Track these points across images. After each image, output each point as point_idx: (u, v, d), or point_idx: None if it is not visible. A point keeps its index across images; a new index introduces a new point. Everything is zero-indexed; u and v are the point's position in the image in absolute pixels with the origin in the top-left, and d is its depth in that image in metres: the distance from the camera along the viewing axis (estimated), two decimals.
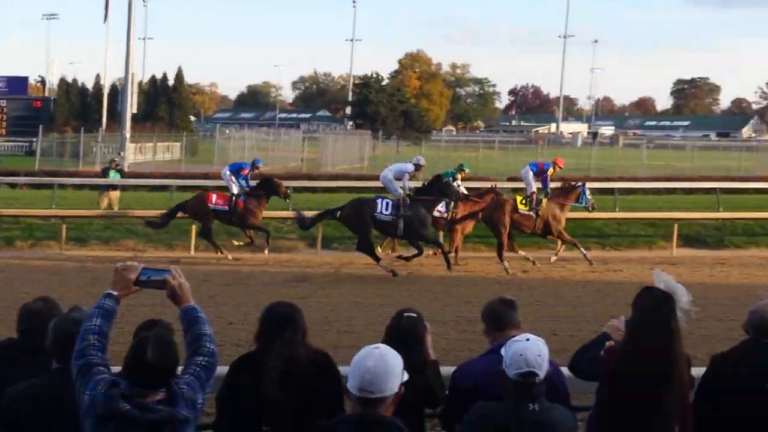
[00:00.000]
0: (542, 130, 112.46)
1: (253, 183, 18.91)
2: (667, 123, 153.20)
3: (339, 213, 17.33)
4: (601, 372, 4.35)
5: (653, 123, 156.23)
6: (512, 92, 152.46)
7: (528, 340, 3.71)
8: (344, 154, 47.12)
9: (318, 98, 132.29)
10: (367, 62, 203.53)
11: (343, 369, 4.04)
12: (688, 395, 4.49)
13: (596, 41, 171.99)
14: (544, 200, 18.16)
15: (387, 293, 14.37)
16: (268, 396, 4.09)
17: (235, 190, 18.63)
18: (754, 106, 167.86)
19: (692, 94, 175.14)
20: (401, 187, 17.38)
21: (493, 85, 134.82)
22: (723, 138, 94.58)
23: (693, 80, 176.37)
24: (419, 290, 14.91)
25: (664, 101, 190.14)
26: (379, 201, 17.17)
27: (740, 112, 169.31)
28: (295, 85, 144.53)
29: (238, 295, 14.10)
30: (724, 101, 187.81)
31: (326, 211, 17.74)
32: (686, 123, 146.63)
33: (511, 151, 53.86)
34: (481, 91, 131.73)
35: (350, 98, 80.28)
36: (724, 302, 12.71)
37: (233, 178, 18.87)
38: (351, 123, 74.25)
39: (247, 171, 19.20)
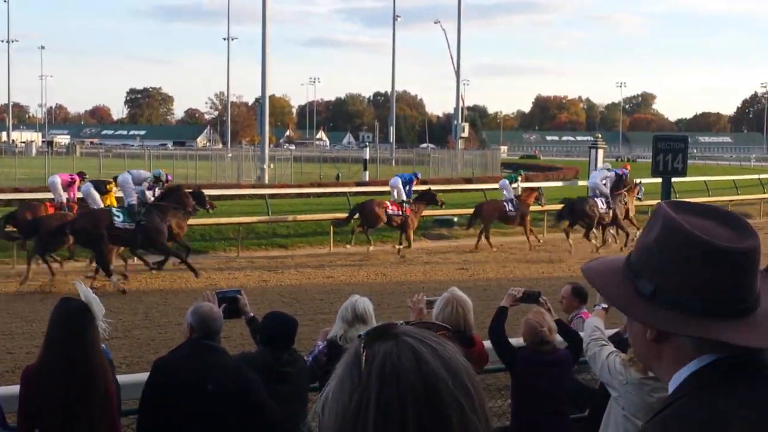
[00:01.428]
0: None
1: None
2: (124, 132, 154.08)
3: (71, 226, 15.88)
4: None
5: (110, 132, 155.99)
6: None
7: None
8: None
9: None
10: None
11: None
12: (115, 404, 4.59)
13: (43, 47, 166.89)
14: None
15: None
16: None
17: None
18: (207, 117, 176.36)
19: (146, 104, 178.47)
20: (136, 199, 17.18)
21: None
22: (179, 147, 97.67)
23: (146, 90, 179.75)
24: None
25: (119, 110, 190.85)
26: (114, 210, 16.78)
27: (194, 122, 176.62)
28: None
29: None
30: (179, 111, 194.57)
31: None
32: (143, 132, 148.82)
33: None
34: None
35: None
36: (185, 307, 12.96)
37: None
38: None
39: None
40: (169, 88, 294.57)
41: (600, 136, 34.46)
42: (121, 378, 5.67)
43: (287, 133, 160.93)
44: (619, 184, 23.51)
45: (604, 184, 23.27)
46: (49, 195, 20.33)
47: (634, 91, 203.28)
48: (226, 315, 5.40)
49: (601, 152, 29.83)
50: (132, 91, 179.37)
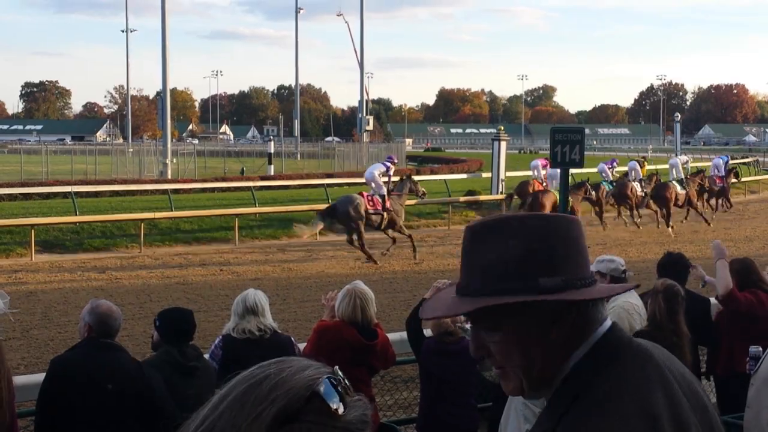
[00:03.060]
0: None
1: None
2: (20, 127, 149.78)
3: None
4: None
5: (5, 127, 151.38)
6: None
7: None
8: None
9: None
10: None
11: None
12: (14, 407, 4.52)
13: None
14: None
15: None
16: None
17: None
18: (106, 111, 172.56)
19: (43, 98, 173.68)
20: None
21: None
22: (78, 141, 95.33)
23: (42, 83, 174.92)
24: None
25: (14, 104, 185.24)
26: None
27: (93, 116, 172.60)
28: None
29: None
30: (77, 105, 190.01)
31: None
32: (40, 127, 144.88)
33: None
34: None
35: None
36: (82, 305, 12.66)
37: None
38: None
39: None
40: (66, 81, 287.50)
41: (503, 128, 34.95)
42: (20, 379, 5.52)
43: (190, 127, 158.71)
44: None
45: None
46: None
47: (535, 84, 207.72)
48: None
49: (503, 144, 30.23)
50: (27, 85, 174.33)
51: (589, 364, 1.70)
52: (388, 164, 21.04)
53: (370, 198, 19.70)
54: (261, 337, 5.63)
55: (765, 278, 6.83)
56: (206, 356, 5.64)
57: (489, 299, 1.69)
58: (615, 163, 28.99)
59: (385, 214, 19.70)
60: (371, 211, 19.43)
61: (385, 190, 20.10)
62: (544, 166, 25.46)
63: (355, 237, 19.19)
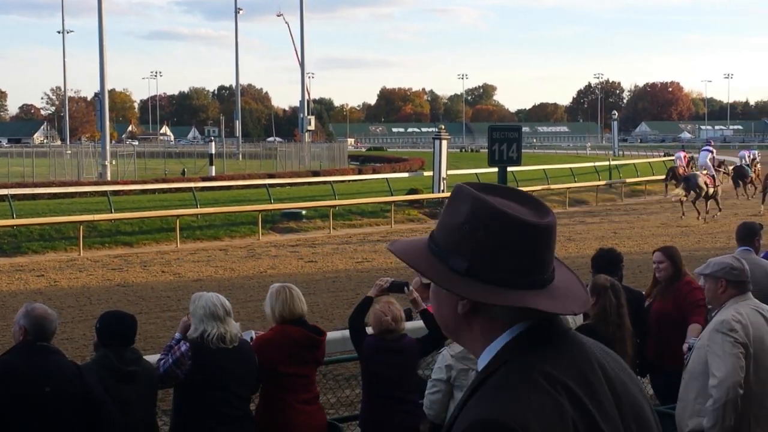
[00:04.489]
0: None
1: None
2: None
3: None
4: None
5: None
6: None
7: None
8: None
9: None
10: None
11: None
12: None
13: None
14: None
15: None
16: None
17: None
18: (43, 112, 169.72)
19: None
20: None
21: None
22: (15, 144, 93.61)
23: None
24: None
25: None
26: None
27: (29, 118, 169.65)
28: None
29: None
30: (12, 107, 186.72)
31: None
32: None
33: None
34: None
35: None
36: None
37: None
38: None
39: None
40: (1, 83, 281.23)
41: (444, 127, 35.08)
42: None
43: (129, 128, 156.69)
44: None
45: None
46: None
47: (475, 83, 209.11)
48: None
49: (444, 143, 30.36)
50: None
51: (508, 352, 1.74)
52: (711, 148, 30.84)
53: (706, 176, 26.99)
54: (231, 345, 5.43)
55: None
56: (168, 360, 5.39)
57: (417, 260, 1.79)
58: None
59: (713, 188, 26.48)
60: (708, 185, 26.29)
61: (714, 171, 28.31)
62: (684, 157, 34.76)
63: (699, 199, 26.36)
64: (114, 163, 45.48)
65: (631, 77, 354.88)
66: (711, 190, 26.48)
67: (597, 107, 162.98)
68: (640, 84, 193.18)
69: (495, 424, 1.61)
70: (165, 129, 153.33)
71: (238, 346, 5.48)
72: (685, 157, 35.10)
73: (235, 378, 5.44)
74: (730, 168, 34.57)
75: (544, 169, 38.80)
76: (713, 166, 29.78)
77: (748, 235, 7.30)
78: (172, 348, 5.42)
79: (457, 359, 5.37)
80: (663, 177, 35.69)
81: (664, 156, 58.01)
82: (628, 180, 38.43)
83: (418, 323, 6.32)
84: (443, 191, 28.90)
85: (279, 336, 5.70)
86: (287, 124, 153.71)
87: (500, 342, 1.76)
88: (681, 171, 31.85)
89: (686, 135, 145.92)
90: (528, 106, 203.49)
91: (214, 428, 5.38)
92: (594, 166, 43.69)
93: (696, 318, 6.50)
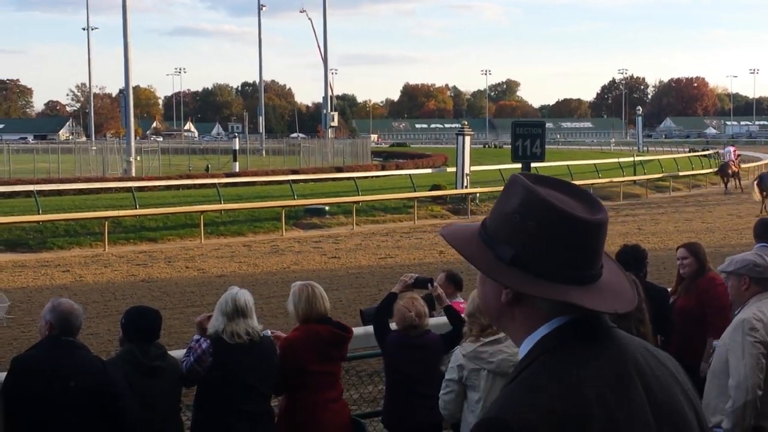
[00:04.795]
0: None
1: None
2: None
3: None
4: None
5: None
6: None
7: None
8: None
9: None
10: None
11: None
12: None
13: None
14: None
15: None
16: None
17: None
18: (69, 109, 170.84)
19: (4, 96, 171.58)
20: None
21: None
22: (41, 140, 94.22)
23: (3, 82, 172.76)
24: None
25: None
26: None
27: (55, 114, 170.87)
28: None
29: None
30: (38, 104, 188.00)
31: None
32: (1, 126, 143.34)
33: None
34: None
35: None
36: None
37: None
38: None
39: None
40: (27, 80, 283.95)
41: (467, 123, 35.03)
42: None
43: (154, 124, 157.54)
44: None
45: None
46: None
47: (498, 79, 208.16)
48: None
49: (468, 139, 30.29)
50: None
51: (546, 343, 1.73)
52: (732, 148, 40.01)
53: (733, 163, 36.56)
54: (251, 341, 5.43)
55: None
56: (190, 359, 5.39)
57: (465, 246, 1.80)
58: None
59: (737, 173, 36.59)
60: (735, 171, 36.16)
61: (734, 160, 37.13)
62: (734, 152, 39.53)
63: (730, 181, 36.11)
64: (138, 159, 45.72)
65: (655, 73, 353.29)
66: None
67: (621, 103, 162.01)
68: (665, 79, 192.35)
69: (501, 424, 1.62)
70: (189, 125, 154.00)
71: (259, 342, 5.48)
72: (734, 151, 39.58)
73: (254, 374, 5.44)
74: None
75: (567, 165, 38.62)
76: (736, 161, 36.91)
77: (766, 231, 7.25)
78: (191, 347, 5.44)
79: (469, 359, 5.33)
80: (687, 173, 36.74)
81: (689, 152, 57.58)
82: (680, 174, 38.56)
83: (442, 319, 6.31)
84: (466, 187, 28.86)
85: (307, 335, 5.69)
86: (310, 120, 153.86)
87: (540, 333, 1.76)
88: (732, 166, 36.78)
89: (711, 131, 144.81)
90: (551, 101, 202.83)
91: (233, 425, 5.38)
92: (618, 161, 43.45)
93: (717, 319, 6.40)
